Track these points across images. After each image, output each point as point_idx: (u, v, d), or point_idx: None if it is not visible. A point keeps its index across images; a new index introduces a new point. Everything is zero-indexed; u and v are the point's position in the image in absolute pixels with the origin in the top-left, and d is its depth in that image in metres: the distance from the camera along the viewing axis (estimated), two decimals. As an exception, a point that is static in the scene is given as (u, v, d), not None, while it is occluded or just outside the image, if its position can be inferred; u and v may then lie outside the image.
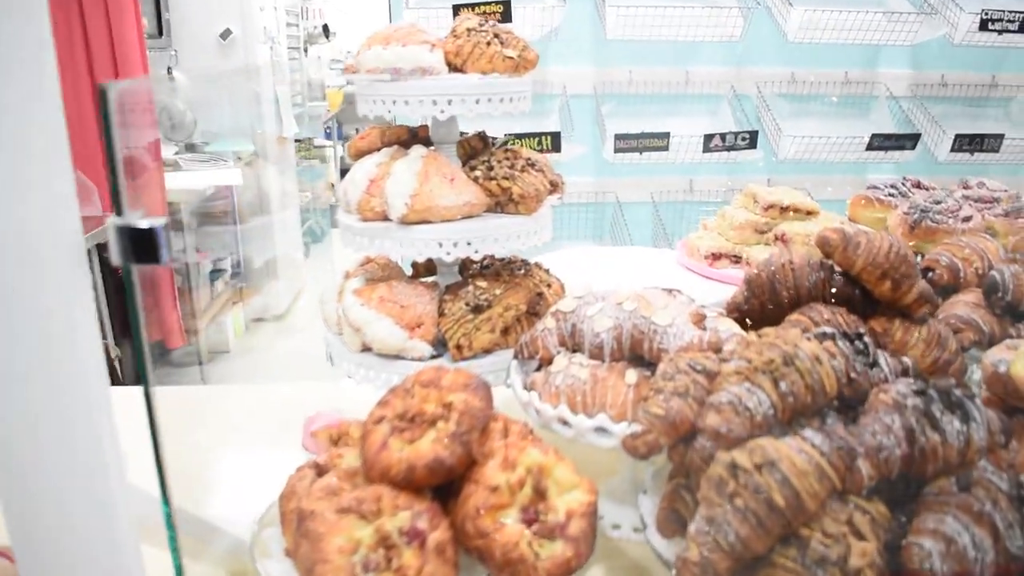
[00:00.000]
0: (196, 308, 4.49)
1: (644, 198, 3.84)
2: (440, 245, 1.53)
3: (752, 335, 1.20)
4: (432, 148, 1.66)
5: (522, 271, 1.70)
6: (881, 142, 3.38)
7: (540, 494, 1.16)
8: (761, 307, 1.50)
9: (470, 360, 1.56)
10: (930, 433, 1.07)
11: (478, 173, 1.60)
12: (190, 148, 4.77)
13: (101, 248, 3.77)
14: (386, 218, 1.56)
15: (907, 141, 3.37)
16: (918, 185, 2.19)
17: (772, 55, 3.65)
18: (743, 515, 1.02)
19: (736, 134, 3.42)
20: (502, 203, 1.59)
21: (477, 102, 1.53)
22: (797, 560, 1.02)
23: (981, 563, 1.02)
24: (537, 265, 1.76)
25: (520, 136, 3.46)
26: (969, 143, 3.31)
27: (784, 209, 2.22)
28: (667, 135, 3.44)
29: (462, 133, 1.73)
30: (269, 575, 1.16)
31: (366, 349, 1.60)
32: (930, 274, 1.65)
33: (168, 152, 4.68)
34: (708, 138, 3.44)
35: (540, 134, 3.45)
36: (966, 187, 2.27)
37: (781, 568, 1.03)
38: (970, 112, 3.61)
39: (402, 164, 1.55)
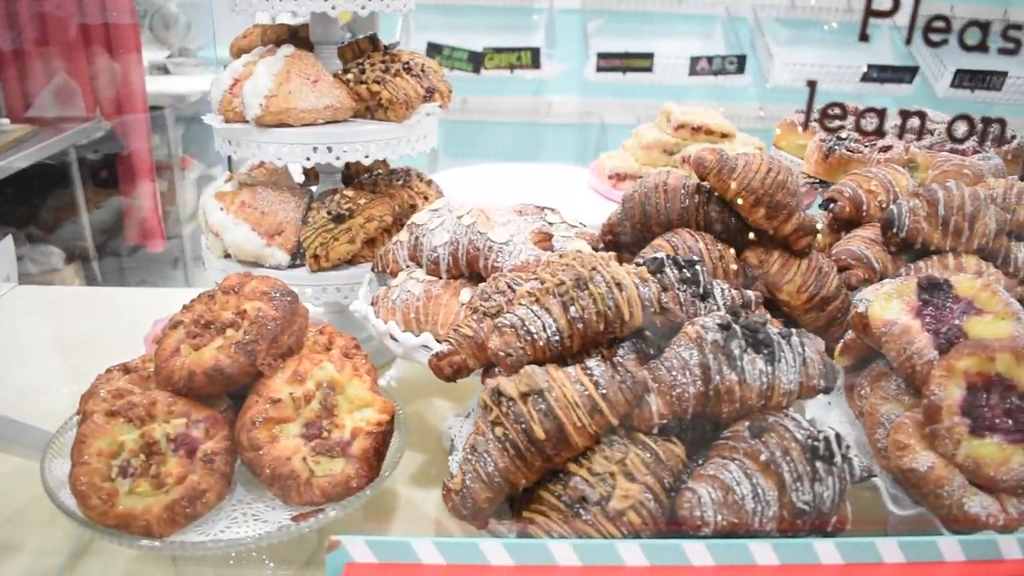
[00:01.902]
0: (180, 214, 4.46)
1: (630, 120, 3.69)
2: (299, 150, 1.45)
3: (553, 255, 1.11)
4: (313, 50, 1.57)
5: (400, 182, 1.61)
6: (877, 74, 3.17)
7: (328, 410, 1.10)
8: (632, 229, 1.41)
9: (328, 271, 1.49)
10: (727, 372, 0.99)
11: (350, 76, 1.51)
12: (183, 52, 4.68)
13: (80, 148, 3.76)
14: (246, 120, 1.48)
15: (905, 74, 3.16)
16: (859, 113, 2.02)
17: (772, -25, 3.46)
18: (502, 445, 0.95)
19: (724, 58, 3.25)
20: (372, 109, 1.50)
21: (344, -3, 1.43)
22: (560, 497, 0.95)
23: (761, 515, 0.93)
24: (419, 177, 1.67)
25: (498, 51, 3.33)
26: (970, 79, 3.08)
27: (696, 130, 2.08)
28: (651, 55, 3.28)
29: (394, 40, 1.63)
30: (51, 473, 1.12)
31: (228, 255, 1.54)
32: (832, 205, 1.53)
33: (160, 55, 4.59)
34: (694, 61, 3.27)
35: (518, 49, 3.31)
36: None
37: (547, 504, 0.96)
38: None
39: (263, 64, 1.46)
